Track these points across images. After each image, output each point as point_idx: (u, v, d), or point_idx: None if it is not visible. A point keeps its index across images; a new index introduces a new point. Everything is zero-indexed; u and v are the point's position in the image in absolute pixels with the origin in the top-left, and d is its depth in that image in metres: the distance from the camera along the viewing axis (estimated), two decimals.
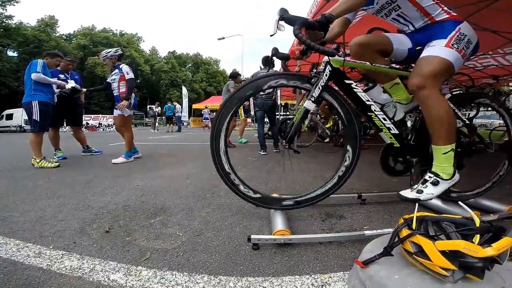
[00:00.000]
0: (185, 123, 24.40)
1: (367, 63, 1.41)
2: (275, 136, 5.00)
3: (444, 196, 1.71)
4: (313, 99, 1.43)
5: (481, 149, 1.63)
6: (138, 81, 41.62)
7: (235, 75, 6.10)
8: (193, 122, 25.37)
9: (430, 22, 1.43)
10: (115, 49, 4.07)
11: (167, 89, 42.49)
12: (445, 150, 1.35)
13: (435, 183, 1.35)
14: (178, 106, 15.75)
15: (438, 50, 1.35)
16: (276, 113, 5.66)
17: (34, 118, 3.58)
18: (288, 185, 2.42)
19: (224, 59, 73.20)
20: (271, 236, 1.26)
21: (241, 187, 1.50)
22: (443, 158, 1.36)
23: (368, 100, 1.45)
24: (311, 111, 1.44)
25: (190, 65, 51.22)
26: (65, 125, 4.55)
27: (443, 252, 0.68)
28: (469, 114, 6.98)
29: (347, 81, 1.45)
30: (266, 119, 5.27)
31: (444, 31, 1.37)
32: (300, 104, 1.45)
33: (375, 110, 1.44)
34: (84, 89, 4.54)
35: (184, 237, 1.43)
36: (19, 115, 17.60)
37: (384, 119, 1.44)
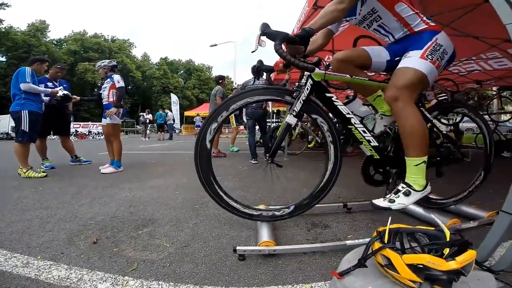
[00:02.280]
0: (176, 131, 24.30)
1: (347, 75, 1.46)
2: (266, 145, 5.05)
3: (425, 204, 1.78)
4: (294, 113, 1.45)
5: (458, 158, 1.68)
6: (129, 87, 41.06)
7: (221, 79, 6.05)
8: (185, 129, 25.28)
9: (410, 33, 1.48)
10: (110, 60, 4.15)
11: (158, 96, 42.11)
12: (417, 162, 1.38)
13: (407, 194, 1.38)
14: (170, 113, 15.63)
15: (413, 61, 1.39)
16: (268, 120, 5.71)
17: (23, 128, 3.51)
18: (277, 195, 2.44)
19: (217, 66, 73.41)
20: (256, 247, 1.29)
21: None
22: (415, 170, 1.40)
23: (349, 113, 1.48)
24: (293, 126, 1.47)
25: (182, 71, 51.01)
26: (52, 134, 4.46)
27: (410, 265, 0.72)
28: (455, 119, 7.19)
29: (328, 95, 1.49)
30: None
31: (421, 42, 1.42)
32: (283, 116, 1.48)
33: (355, 123, 1.47)
34: (78, 97, 4.52)
35: (172, 248, 1.45)
36: (5, 122, 17.06)
37: (364, 132, 1.48)
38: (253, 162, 4.62)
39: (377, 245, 0.81)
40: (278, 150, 1.52)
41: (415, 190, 1.39)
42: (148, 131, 15.66)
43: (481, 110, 7.40)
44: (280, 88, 1.61)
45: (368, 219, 1.82)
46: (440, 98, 6.98)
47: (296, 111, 1.44)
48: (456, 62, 5.64)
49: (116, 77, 3.89)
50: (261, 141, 6.04)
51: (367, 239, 1.32)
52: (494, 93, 7.52)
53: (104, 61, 4.08)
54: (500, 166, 0.90)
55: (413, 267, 0.72)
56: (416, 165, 1.39)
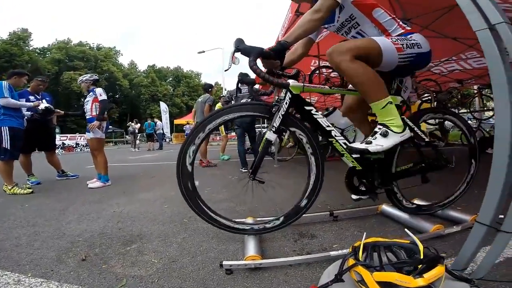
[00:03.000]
0: (167, 139, 24.08)
1: (326, 87, 1.50)
2: (256, 152, 5.05)
3: (414, 211, 1.80)
4: (274, 129, 1.44)
5: (442, 165, 1.71)
6: (116, 96, 40.44)
7: (210, 87, 6.04)
8: (175, 138, 25.08)
9: None
10: (91, 74, 4.13)
11: (147, 104, 41.69)
12: (382, 105, 1.35)
13: (384, 134, 1.35)
14: (159, 123, 15.45)
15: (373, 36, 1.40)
16: (258, 126, 5.73)
17: (4, 146, 3.40)
18: (267, 205, 2.45)
19: (206, 72, 73.41)
20: (242, 261, 1.31)
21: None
22: (384, 112, 1.37)
23: (329, 126, 1.48)
24: (273, 142, 1.48)
25: (170, 79, 50.71)
26: (37, 150, 4.30)
27: (379, 283, 0.76)
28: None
29: (307, 107, 1.48)
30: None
31: None
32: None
33: (335, 136, 1.47)
34: (61, 111, 4.44)
35: (160, 263, 1.45)
36: None
37: (345, 144, 1.47)
38: (243, 171, 4.64)
39: (351, 261, 0.84)
40: (259, 167, 1.52)
41: (394, 132, 1.36)
42: (137, 141, 15.48)
43: (464, 108, 7.59)
44: (257, 103, 1.61)
45: (354, 226, 1.86)
46: (424, 99, 7.19)
47: (276, 126, 1.44)
48: (437, 62, 5.83)
49: (98, 90, 3.86)
50: (251, 148, 6.06)
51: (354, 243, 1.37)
52: (475, 91, 7.73)
53: (85, 75, 4.07)
54: (486, 163, 0.94)
55: (382, 284, 0.75)
56: (383, 108, 1.36)
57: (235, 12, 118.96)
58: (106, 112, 3.94)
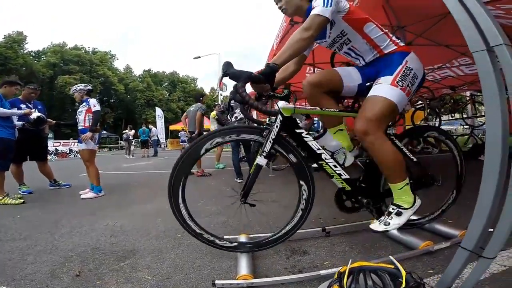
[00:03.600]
0: (162, 145, 23.95)
1: (317, 108, 1.49)
2: (251, 162, 5.08)
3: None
4: (264, 154, 1.43)
5: (429, 183, 1.75)
6: (112, 100, 40.11)
7: (201, 96, 6.02)
8: (170, 144, 24.98)
9: (379, 55, 1.49)
10: (85, 84, 4.08)
11: (143, 109, 41.38)
12: (400, 186, 1.45)
13: (399, 214, 1.44)
14: (154, 129, 15.39)
15: (383, 89, 1.40)
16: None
17: None
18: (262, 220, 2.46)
19: (202, 77, 73.57)
20: (235, 281, 1.33)
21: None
22: (400, 193, 1.46)
23: (319, 149, 1.48)
24: (264, 166, 1.47)
25: (166, 83, 50.39)
26: (28, 159, 4.22)
27: None
28: (434, 123, 7.46)
29: (297, 130, 1.48)
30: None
31: (391, 66, 1.43)
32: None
33: (325, 158, 1.48)
34: (53, 121, 4.38)
35: (153, 280, 1.47)
36: None
37: (335, 166, 1.49)
38: (238, 181, 4.65)
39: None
40: (250, 191, 1.52)
41: (406, 208, 1.45)
42: (132, 147, 15.38)
43: (456, 113, 7.65)
44: (248, 127, 1.60)
45: (346, 242, 1.88)
46: (417, 106, 7.30)
47: (266, 152, 1.44)
48: (430, 69, 5.87)
49: (92, 101, 3.85)
50: (246, 156, 6.05)
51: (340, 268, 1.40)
52: (468, 98, 7.83)
53: (79, 85, 4.04)
54: (478, 170, 0.97)
55: None
56: (401, 188, 1.45)
57: (235, 13, 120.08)
58: (98, 124, 3.92)
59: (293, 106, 1.44)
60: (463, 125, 9.08)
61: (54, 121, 4.46)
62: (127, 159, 12.77)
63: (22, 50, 32.39)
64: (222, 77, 1.32)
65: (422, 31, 3.95)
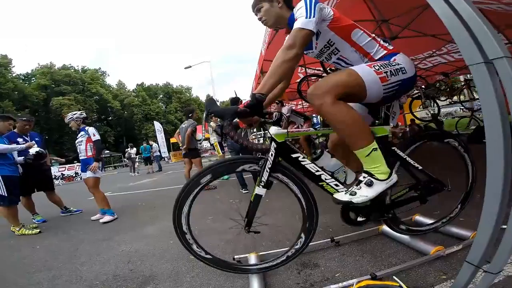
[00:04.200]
0: (166, 159, 24.00)
1: (311, 129, 1.49)
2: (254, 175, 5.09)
3: (413, 230, 1.78)
4: (263, 184, 1.41)
5: (439, 188, 1.67)
6: (109, 118, 39.99)
7: (191, 112, 5.97)
8: (174, 156, 24.99)
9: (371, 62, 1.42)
10: (80, 112, 4.07)
11: (141, 124, 41.12)
12: (366, 152, 1.29)
13: (369, 184, 1.29)
14: (154, 145, 15.52)
15: (355, 66, 1.32)
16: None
17: (1, 193, 3.35)
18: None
19: (196, 85, 73.01)
20: None
21: (194, 247, 1.57)
22: (369, 160, 1.31)
23: (318, 171, 1.42)
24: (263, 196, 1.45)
25: (161, 95, 49.99)
26: (36, 191, 4.27)
27: None
28: (433, 110, 7.52)
29: (294, 155, 1.43)
30: None
31: None
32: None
33: (325, 179, 1.42)
34: (62, 159, 4.47)
35: None
36: None
37: (337, 185, 1.43)
38: (244, 192, 4.69)
39: None
40: (253, 220, 1.53)
41: (379, 180, 1.31)
42: (136, 164, 15.50)
43: (453, 96, 7.69)
44: (243, 158, 1.54)
45: (356, 251, 1.90)
46: (414, 96, 7.34)
47: (264, 181, 1.41)
48: (421, 57, 5.93)
49: (91, 130, 3.87)
50: None
51: (351, 281, 1.45)
52: (463, 83, 7.85)
53: (75, 113, 4.00)
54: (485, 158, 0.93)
55: None
56: (367, 155, 1.30)
57: (234, 13, 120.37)
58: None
59: (286, 131, 1.40)
60: (462, 108, 9.19)
61: (64, 159, 4.53)
62: (132, 177, 12.87)
63: (10, 74, 31.29)
64: (205, 117, 1.28)
65: (407, 23, 3.99)
